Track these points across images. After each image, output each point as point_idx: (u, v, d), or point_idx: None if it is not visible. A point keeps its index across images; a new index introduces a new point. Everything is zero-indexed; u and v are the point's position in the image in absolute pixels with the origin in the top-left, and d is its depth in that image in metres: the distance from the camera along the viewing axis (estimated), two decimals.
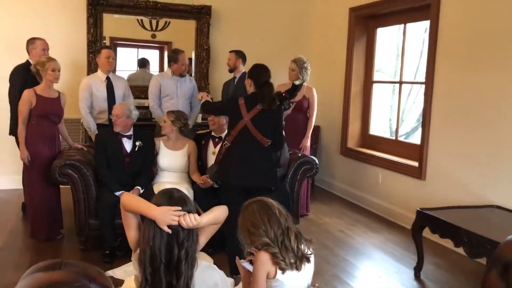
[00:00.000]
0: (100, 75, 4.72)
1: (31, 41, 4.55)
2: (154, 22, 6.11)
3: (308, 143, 5.09)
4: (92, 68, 5.61)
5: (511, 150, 3.75)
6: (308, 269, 2.09)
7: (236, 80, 5.18)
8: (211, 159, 4.15)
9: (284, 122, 3.69)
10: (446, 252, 4.12)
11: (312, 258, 2.11)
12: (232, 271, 3.20)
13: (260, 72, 3.48)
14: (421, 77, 4.80)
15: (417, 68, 5.70)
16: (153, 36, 6.17)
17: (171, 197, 1.95)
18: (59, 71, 4.04)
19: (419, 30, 5.45)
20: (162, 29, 6.15)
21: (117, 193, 3.73)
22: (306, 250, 2.08)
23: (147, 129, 4.91)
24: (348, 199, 5.85)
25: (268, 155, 3.49)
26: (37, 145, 4.01)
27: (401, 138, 5.60)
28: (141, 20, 6.05)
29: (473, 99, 4.09)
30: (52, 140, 4.12)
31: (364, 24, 5.78)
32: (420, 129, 4.86)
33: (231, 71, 5.25)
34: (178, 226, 1.88)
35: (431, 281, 3.61)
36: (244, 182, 3.37)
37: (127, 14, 5.94)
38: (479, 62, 4.04)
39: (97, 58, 4.75)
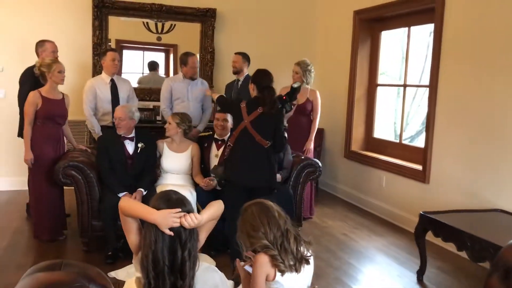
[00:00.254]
0: (104, 77, 4.74)
1: (40, 44, 4.54)
2: (159, 24, 6.14)
3: (312, 146, 5.09)
4: (97, 70, 5.64)
5: None
6: (308, 271, 2.09)
7: (239, 83, 5.18)
8: (214, 162, 4.17)
9: (286, 124, 3.73)
10: (449, 256, 4.10)
11: (311, 260, 2.11)
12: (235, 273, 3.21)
13: (262, 77, 3.62)
14: (426, 81, 4.78)
15: (422, 72, 5.68)
16: (159, 38, 6.20)
17: (169, 200, 1.95)
18: (64, 72, 4.07)
19: (424, 33, 5.44)
20: (167, 31, 6.17)
21: (120, 195, 3.74)
22: (305, 252, 2.08)
23: (151, 131, 4.92)
24: (352, 202, 5.84)
25: (268, 156, 3.57)
26: (42, 146, 4.03)
27: (406, 142, 5.58)
28: (147, 22, 6.09)
29: (478, 103, 4.08)
30: (56, 142, 4.14)
31: (368, 27, 5.78)
32: (424, 133, 4.85)
33: (236, 73, 5.24)
34: (180, 227, 1.89)
35: (433, 285, 3.59)
36: (244, 181, 3.52)
37: (132, 16, 5.97)
38: (483, 65, 4.02)
39: (102, 60, 4.77)
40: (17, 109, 4.46)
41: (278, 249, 1.99)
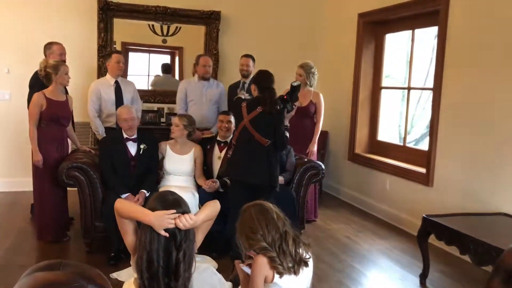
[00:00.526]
0: (108, 79, 4.77)
1: (48, 46, 4.55)
2: (165, 27, 6.16)
3: (315, 148, 5.08)
4: (102, 72, 5.67)
5: None
6: (306, 273, 2.09)
7: (246, 86, 5.16)
8: (217, 164, 4.17)
9: (288, 124, 3.77)
10: (452, 260, 4.07)
11: (310, 262, 2.11)
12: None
13: (263, 78, 3.70)
14: (431, 84, 4.77)
15: (427, 75, 5.66)
16: (164, 41, 6.22)
17: (165, 200, 1.94)
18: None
19: (429, 36, 5.42)
20: (173, 34, 6.20)
21: (123, 196, 3.75)
22: (304, 254, 2.08)
23: (154, 133, 4.93)
24: (356, 205, 5.82)
25: (267, 154, 3.61)
26: (46, 147, 4.04)
27: (410, 145, 5.56)
28: (152, 25, 6.11)
29: (482, 106, 4.06)
30: (60, 143, 4.16)
31: (372, 30, 5.77)
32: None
33: (246, 76, 5.17)
34: (175, 228, 1.87)
35: None
36: (243, 178, 3.61)
37: (137, 19, 5.99)
38: (487, 68, 4.00)
39: (107, 62, 4.79)
40: (23, 111, 4.48)
41: (276, 251, 1.99)
